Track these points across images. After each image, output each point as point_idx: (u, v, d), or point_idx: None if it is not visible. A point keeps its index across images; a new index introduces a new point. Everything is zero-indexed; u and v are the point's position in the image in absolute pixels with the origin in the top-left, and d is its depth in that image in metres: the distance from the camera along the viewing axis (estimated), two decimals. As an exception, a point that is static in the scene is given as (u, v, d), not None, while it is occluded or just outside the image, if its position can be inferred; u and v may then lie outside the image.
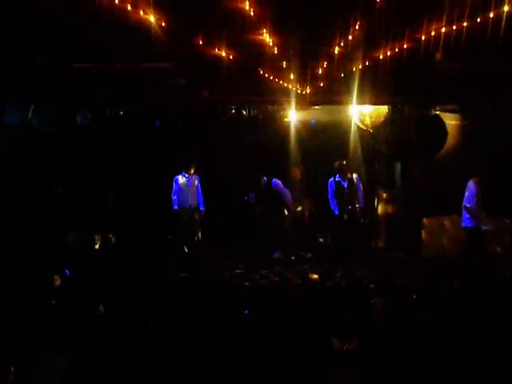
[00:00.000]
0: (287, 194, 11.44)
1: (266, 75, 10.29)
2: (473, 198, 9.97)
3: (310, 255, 11.51)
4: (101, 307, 6.49)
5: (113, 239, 11.47)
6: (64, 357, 4.42)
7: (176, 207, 11.30)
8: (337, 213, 10.93)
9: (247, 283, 9.00)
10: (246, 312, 5.31)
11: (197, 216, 11.42)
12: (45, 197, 11.43)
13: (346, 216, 10.89)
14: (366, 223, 11.81)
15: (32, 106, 11.44)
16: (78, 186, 11.83)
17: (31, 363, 4.36)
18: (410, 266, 10.43)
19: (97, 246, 11.22)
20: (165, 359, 5.18)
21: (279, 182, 11.38)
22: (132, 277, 8.69)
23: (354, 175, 11.07)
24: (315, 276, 8.93)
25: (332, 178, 10.98)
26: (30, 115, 11.49)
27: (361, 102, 11.30)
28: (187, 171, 11.27)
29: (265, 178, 11.32)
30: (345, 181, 10.91)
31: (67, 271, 7.99)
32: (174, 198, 11.29)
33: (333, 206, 11.02)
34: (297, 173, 12.12)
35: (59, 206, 11.48)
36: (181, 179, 11.31)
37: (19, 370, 4.27)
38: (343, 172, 10.91)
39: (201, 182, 11.49)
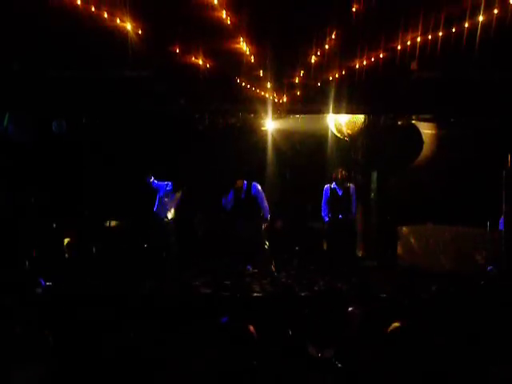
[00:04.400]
0: (265, 199, 11.11)
1: (243, 84, 10.31)
2: None
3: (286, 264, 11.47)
4: None
5: (89, 247, 11.36)
6: (39, 365, 4.35)
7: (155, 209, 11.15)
8: (326, 220, 10.89)
9: (223, 292, 8.90)
10: (223, 319, 5.26)
11: (171, 227, 11.22)
12: (20, 205, 11.31)
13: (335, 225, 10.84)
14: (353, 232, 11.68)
15: (7, 115, 11.33)
16: (53, 195, 11.69)
17: (4, 374, 4.29)
18: (385, 275, 10.41)
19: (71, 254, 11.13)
20: (139, 368, 5.12)
21: (259, 186, 11.00)
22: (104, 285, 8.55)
23: (351, 185, 10.91)
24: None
25: (328, 185, 10.84)
26: (5, 124, 11.37)
27: (337, 111, 11.34)
28: (175, 187, 11.06)
29: (244, 182, 10.92)
30: (340, 189, 10.79)
31: (42, 280, 7.88)
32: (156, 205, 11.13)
33: (324, 212, 10.89)
34: (239, 183, 11.33)
35: (34, 214, 11.34)
36: (164, 193, 11.06)
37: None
38: (341, 180, 10.77)
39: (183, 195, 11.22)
